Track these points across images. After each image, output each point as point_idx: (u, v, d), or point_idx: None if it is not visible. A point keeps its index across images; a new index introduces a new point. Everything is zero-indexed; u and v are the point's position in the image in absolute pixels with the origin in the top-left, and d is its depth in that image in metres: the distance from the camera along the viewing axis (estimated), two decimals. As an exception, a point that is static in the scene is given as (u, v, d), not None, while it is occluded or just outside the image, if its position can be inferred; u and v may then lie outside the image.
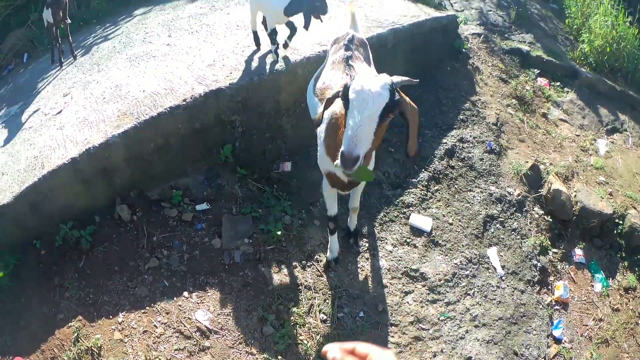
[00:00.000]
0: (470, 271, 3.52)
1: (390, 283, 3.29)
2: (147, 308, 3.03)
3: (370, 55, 3.16)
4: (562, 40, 5.69)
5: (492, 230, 3.74)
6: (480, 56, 4.71)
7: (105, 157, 3.31)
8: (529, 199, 3.99)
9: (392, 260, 3.38)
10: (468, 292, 3.46)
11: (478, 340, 3.34)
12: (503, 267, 3.64)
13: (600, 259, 4.34)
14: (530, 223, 3.92)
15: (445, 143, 3.92)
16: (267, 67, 3.71)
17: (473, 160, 3.92)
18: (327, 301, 3.13)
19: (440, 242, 3.54)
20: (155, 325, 2.96)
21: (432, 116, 4.04)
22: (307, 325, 3.01)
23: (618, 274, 4.35)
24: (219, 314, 3.03)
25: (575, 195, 4.19)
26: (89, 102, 3.90)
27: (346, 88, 2.07)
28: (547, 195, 4.05)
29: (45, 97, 4.43)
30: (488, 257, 3.64)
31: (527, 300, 3.64)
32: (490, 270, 3.60)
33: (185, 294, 3.10)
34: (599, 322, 4.06)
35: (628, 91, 5.41)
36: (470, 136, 4.02)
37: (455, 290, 3.42)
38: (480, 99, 4.30)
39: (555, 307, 3.92)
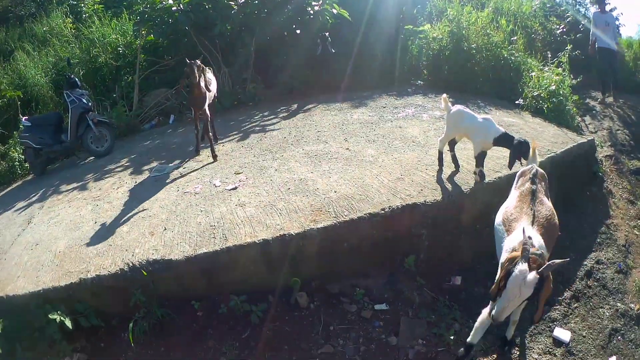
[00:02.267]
0: None
1: None
2: None
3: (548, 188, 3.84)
4: None
5: (615, 341, 4.84)
6: (612, 179, 5.68)
7: (299, 246, 3.83)
8: (642, 317, 5.07)
9: None
10: None
11: None
12: (621, 373, 4.74)
13: None
14: (644, 337, 5.02)
15: (586, 265, 4.98)
16: (451, 187, 4.57)
17: (606, 280, 5.00)
18: None
19: (574, 352, 4.61)
20: None
21: (575, 240, 5.10)
22: None
23: None
24: None
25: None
26: (272, 188, 4.45)
27: (508, 274, 2.93)
28: (655, 316, 5.12)
29: (209, 167, 4.92)
30: (615, 369, 4.73)
31: None
32: (610, 381, 4.68)
33: None
34: None
35: None
36: (605, 258, 5.09)
37: None
38: (612, 222, 5.34)
39: None
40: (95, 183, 5.39)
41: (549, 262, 3.01)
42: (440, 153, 4.78)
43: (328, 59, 7.76)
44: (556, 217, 3.70)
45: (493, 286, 3.19)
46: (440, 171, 4.85)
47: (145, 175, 5.08)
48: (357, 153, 5.16)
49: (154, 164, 5.35)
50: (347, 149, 5.25)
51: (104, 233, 4.24)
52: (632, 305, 5.04)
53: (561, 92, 6.18)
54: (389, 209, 4.16)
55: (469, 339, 3.71)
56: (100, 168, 5.80)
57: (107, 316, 3.75)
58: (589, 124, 6.31)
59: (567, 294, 4.84)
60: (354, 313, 4.01)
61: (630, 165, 6.10)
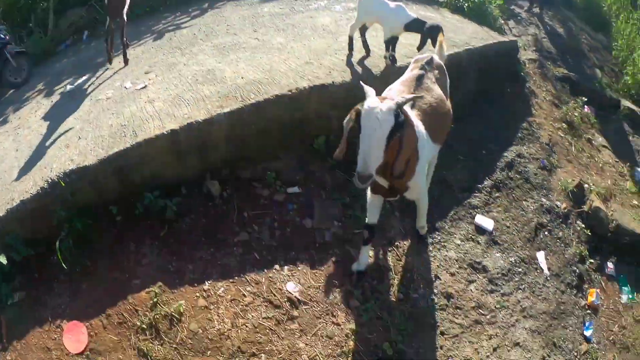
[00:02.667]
0: (522, 269, 4.24)
1: (457, 272, 3.95)
2: (236, 278, 3.37)
3: (447, 82, 3.62)
4: (608, 71, 6.53)
5: (541, 236, 4.50)
6: (536, 81, 5.50)
7: (207, 133, 3.67)
8: (573, 212, 4.76)
9: (459, 253, 4.05)
10: (520, 287, 4.17)
11: (526, 329, 4.05)
12: (549, 269, 4.37)
13: (629, 274, 5.09)
14: (573, 234, 4.69)
15: (506, 157, 4.66)
16: (361, 70, 4.36)
17: (529, 174, 4.68)
18: (405, 282, 3.75)
19: (499, 241, 4.26)
20: (243, 294, 3.32)
21: (496, 132, 4.80)
22: (387, 302, 3.60)
23: None
24: (308, 287, 3.49)
25: (612, 214, 4.99)
26: (180, 82, 4.31)
27: (358, 114, 2.53)
28: (589, 212, 4.83)
29: (120, 72, 4.82)
30: (537, 259, 4.39)
31: (566, 300, 4.39)
32: (538, 270, 4.32)
33: (276, 266, 3.52)
34: (622, 329, 4.84)
35: None
36: (527, 153, 4.79)
37: (510, 284, 4.11)
38: (535, 120, 5.09)
39: (587, 311, 4.69)
40: (15, 114, 5.16)
41: (404, 96, 2.73)
42: (351, 38, 4.55)
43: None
44: (447, 108, 3.43)
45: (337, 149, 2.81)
46: (350, 55, 4.58)
47: (60, 93, 4.91)
48: (266, 42, 4.96)
49: (69, 80, 5.18)
50: (256, 39, 5.05)
51: (25, 158, 3.99)
52: (559, 203, 4.75)
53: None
54: (296, 90, 4.00)
55: (366, 220, 3.44)
56: (19, 98, 5.55)
57: (36, 245, 3.51)
58: (513, 28, 6.21)
59: (488, 182, 4.48)
60: (267, 197, 3.88)
61: (556, 72, 5.96)
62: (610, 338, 4.75)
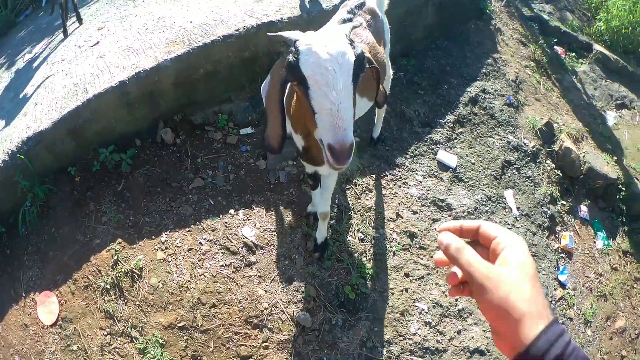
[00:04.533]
0: (489, 208, 4.07)
1: (420, 210, 3.76)
2: (192, 226, 3.29)
3: (385, 27, 3.15)
4: (579, 15, 6.42)
5: (509, 174, 4.33)
6: (502, 19, 5.33)
7: (155, 80, 3.58)
8: (542, 152, 4.60)
9: (422, 190, 3.85)
10: None
11: None
12: (518, 208, 4.22)
13: (602, 219, 5.01)
14: (543, 174, 4.53)
15: (470, 92, 4.44)
16: (311, 5, 4.21)
17: (494, 110, 4.49)
18: (365, 222, 3.55)
19: (463, 178, 4.07)
20: (200, 243, 3.24)
21: (458, 67, 4.59)
22: (347, 243, 3.44)
23: (618, 236, 5.03)
24: (265, 230, 3.35)
25: (583, 156, 4.86)
26: (130, 33, 4.17)
27: (293, 65, 1.71)
28: (559, 152, 4.68)
29: (75, 32, 4.71)
30: (505, 198, 4.23)
31: (538, 241, 4.23)
32: (506, 210, 4.17)
33: (232, 211, 3.39)
34: (599, 276, 4.71)
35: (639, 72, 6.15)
36: (492, 89, 4.60)
37: (471, 217, 4.00)
38: (501, 57, 4.91)
39: (561, 255, 4.56)
40: (-24, 93, 4.90)
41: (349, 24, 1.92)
42: None
43: None
44: (381, 55, 2.95)
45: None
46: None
47: (21, 64, 4.73)
48: (219, -14, 4.68)
49: (27, 49, 5.03)
50: (206, -18, 4.78)
51: (-13, 136, 3.86)
52: (527, 141, 4.59)
53: None
54: (244, 29, 3.87)
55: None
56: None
57: (5, 221, 3.53)
58: None
59: (450, 117, 4.26)
60: (220, 141, 3.79)
61: (524, 11, 5.88)
62: (587, 285, 4.64)
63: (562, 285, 4.41)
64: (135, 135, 3.71)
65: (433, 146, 4.12)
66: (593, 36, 6.24)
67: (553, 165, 4.62)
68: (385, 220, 3.64)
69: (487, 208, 4.07)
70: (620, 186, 4.97)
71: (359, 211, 3.61)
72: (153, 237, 3.24)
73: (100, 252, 3.17)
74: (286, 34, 1.80)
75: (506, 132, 4.48)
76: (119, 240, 3.22)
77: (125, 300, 3.04)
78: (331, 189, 2.85)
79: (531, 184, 4.41)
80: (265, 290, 3.15)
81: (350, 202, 3.66)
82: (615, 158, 5.16)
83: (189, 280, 3.09)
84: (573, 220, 4.70)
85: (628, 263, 5.17)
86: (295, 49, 1.71)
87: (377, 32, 3.01)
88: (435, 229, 3.78)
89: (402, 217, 3.70)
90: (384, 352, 3.19)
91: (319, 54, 1.65)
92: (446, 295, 3.57)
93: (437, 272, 3.61)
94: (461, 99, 4.40)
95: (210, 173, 3.61)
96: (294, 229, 3.40)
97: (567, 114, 5.08)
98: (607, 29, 6.23)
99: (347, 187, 3.72)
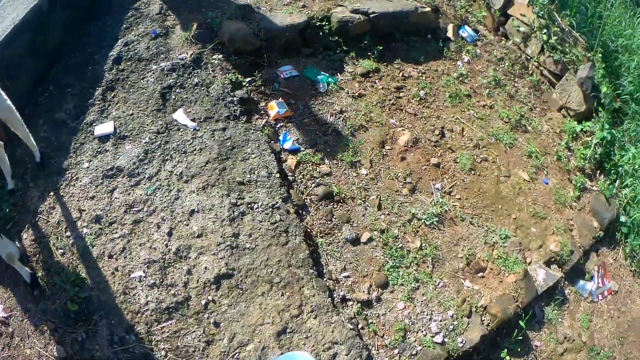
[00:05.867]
0: (161, 140, 4.19)
1: (96, 192, 3.96)
2: None
3: None
4: None
5: (173, 96, 4.41)
6: None
7: None
8: (205, 53, 4.63)
9: (91, 174, 4.04)
10: (165, 158, 4.13)
11: (193, 192, 4.02)
12: (194, 119, 4.30)
13: (316, 63, 4.89)
14: (214, 71, 4.56)
15: (112, 55, 4.63)
16: None
17: (140, 54, 4.61)
18: (59, 237, 3.73)
19: (126, 134, 4.21)
20: None
21: (108, 43, 4.72)
22: (49, 261, 3.62)
23: (347, 67, 4.90)
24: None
25: (258, 24, 4.79)
26: None
27: None
28: (224, 40, 4.68)
29: None
30: (176, 121, 4.33)
31: (233, 133, 4.27)
32: (182, 130, 4.28)
33: None
34: (340, 114, 4.60)
35: None
36: (134, 36, 4.73)
37: (153, 164, 4.08)
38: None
39: (279, 125, 4.50)
40: None
41: None
42: None
43: None
44: None
45: None
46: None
47: None
48: None
49: None
50: None
51: None
52: (183, 55, 4.64)
53: None
54: None
55: None
56: None
57: None
58: None
59: (99, 91, 4.44)
60: None
61: None
62: (321, 130, 4.57)
63: (294, 151, 4.36)
64: None
65: (90, 128, 4.31)
66: None
67: (221, 56, 4.61)
68: (75, 222, 3.85)
69: (158, 142, 4.22)
70: (321, 24, 5.10)
71: (51, 232, 3.79)
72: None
73: None
74: None
75: (158, 62, 4.59)
76: None
77: None
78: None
79: (202, 88, 4.48)
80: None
81: (42, 229, 3.82)
82: (304, 2, 5.13)
83: None
84: (278, 86, 4.64)
85: (377, 80, 5.06)
86: None
87: None
88: (116, 197, 3.96)
89: (85, 210, 3.90)
90: (133, 338, 3.43)
91: None
92: (155, 248, 3.75)
93: (135, 233, 3.82)
94: (105, 67, 4.57)
95: None
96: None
97: None
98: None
99: (37, 220, 3.87)
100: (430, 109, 5.19)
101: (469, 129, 5.12)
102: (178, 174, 4.07)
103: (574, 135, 5.47)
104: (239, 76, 4.53)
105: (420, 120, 5.04)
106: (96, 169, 4.10)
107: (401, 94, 5.16)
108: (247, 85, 4.54)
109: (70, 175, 4.08)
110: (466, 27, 5.96)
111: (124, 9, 4.94)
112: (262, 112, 4.49)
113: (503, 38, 6.16)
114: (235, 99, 4.42)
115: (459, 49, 5.78)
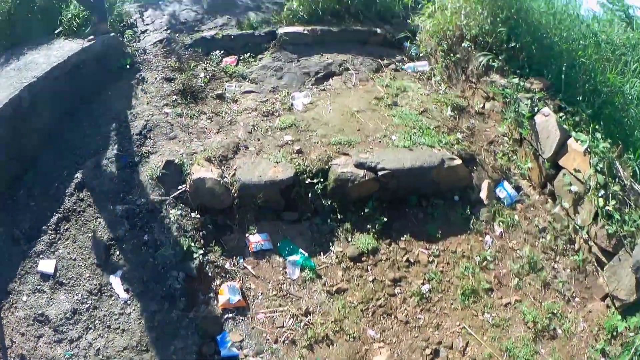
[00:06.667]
0: (91, 303, 3.99)
1: (26, 330, 3.93)
2: None
3: None
4: (267, 8, 6.16)
5: (118, 252, 4.13)
6: (153, 63, 5.07)
7: None
8: (165, 202, 4.21)
9: (27, 309, 4.00)
10: (90, 326, 3.91)
11: None
12: (127, 290, 3.98)
13: (299, 234, 4.24)
14: (168, 230, 4.14)
15: (77, 177, 4.40)
16: None
17: (103, 185, 4.34)
18: None
19: (64, 281, 4.09)
20: None
21: (73, 154, 4.54)
22: None
23: (335, 243, 4.21)
24: None
25: (233, 175, 4.24)
26: None
27: None
28: (188, 190, 4.20)
29: None
30: (111, 285, 4.01)
31: (160, 321, 3.87)
32: (113, 299, 3.99)
33: None
34: (304, 317, 3.94)
35: (354, 28, 5.89)
36: (107, 159, 4.43)
37: (77, 327, 3.92)
38: (133, 111, 4.66)
39: (226, 317, 3.97)
40: None
41: None
42: None
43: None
44: None
45: None
46: None
47: None
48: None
49: None
50: None
51: None
52: (143, 199, 4.30)
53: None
54: None
55: None
56: None
57: None
58: (148, 17, 5.94)
59: (55, 217, 4.30)
60: None
61: (189, 39, 5.84)
62: (283, 337, 3.90)
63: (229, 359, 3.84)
64: None
65: (36, 258, 4.23)
66: (285, 21, 6.07)
67: (179, 212, 4.20)
68: (6, 349, 3.84)
69: (87, 305, 4.02)
70: (313, 180, 4.40)
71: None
72: None
73: None
74: None
75: (115, 202, 4.29)
76: None
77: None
78: None
79: (150, 250, 4.16)
80: None
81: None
82: (300, 147, 4.58)
83: None
84: (242, 261, 4.15)
85: (370, 267, 4.31)
86: None
87: None
88: (40, 345, 3.89)
89: (15, 342, 3.89)
90: None
91: None
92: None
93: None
94: (67, 190, 4.40)
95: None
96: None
97: (219, 132, 4.58)
98: (300, 3, 6.11)
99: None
100: (431, 313, 4.11)
101: (475, 343, 3.93)
102: (96, 349, 3.84)
103: (614, 333, 4.27)
104: (193, 244, 4.07)
105: (411, 331, 3.97)
106: (31, 308, 4.01)
107: (397, 290, 4.18)
108: (200, 256, 4.05)
109: (11, 300, 4.05)
110: (505, 183, 4.84)
111: (107, 118, 4.63)
112: (211, 294, 4.01)
113: (549, 199, 4.91)
114: (180, 276, 3.98)
115: (491, 216, 4.66)
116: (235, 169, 4.27)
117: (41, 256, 4.20)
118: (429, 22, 5.97)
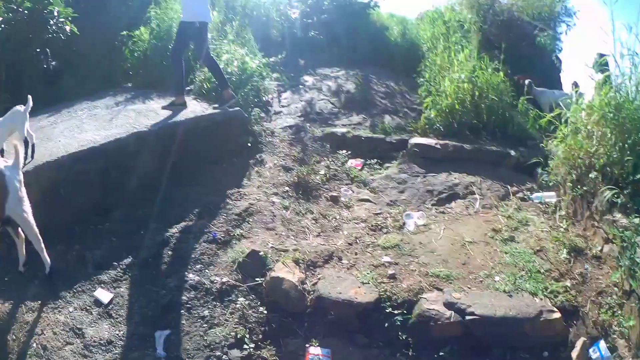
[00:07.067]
0: (129, 344, 3.96)
1: (60, 332, 3.88)
2: None
3: None
4: (405, 113, 6.25)
5: (173, 314, 4.12)
6: (277, 147, 5.24)
7: None
8: (238, 289, 4.24)
9: (68, 318, 4.00)
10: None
11: None
12: (167, 349, 3.96)
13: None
14: (231, 314, 4.10)
15: (163, 234, 4.62)
16: None
17: (184, 250, 4.51)
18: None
19: (113, 314, 4.13)
20: None
21: (164, 210, 4.77)
22: None
23: None
24: None
25: (315, 284, 4.22)
26: None
27: None
28: (264, 285, 4.18)
29: None
30: (156, 349, 3.96)
31: None
32: (151, 350, 3.96)
33: None
34: None
35: (488, 148, 5.79)
36: (198, 228, 4.62)
37: (107, 356, 3.87)
38: (241, 191, 4.83)
39: None
40: None
41: None
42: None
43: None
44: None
45: None
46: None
47: None
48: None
49: None
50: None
51: None
52: (217, 278, 4.31)
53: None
54: None
55: None
56: None
57: None
58: (285, 99, 6.25)
59: (129, 259, 4.47)
60: None
61: (319, 131, 5.92)
62: None
63: None
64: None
65: (97, 285, 4.33)
66: (420, 130, 6.15)
67: (248, 303, 4.13)
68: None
69: (124, 343, 3.96)
70: (394, 310, 4.16)
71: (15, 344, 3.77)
72: None
73: None
74: None
75: (189, 271, 4.41)
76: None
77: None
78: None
79: (204, 325, 4.08)
80: None
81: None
82: (393, 271, 4.47)
83: None
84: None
85: None
86: None
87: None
88: (66, 350, 3.79)
89: (45, 335, 3.85)
90: None
91: None
92: None
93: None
94: (145, 242, 4.58)
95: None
96: None
97: (319, 235, 4.70)
98: (438, 113, 6.15)
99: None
100: None
101: None
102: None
103: None
104: (248, 336, 3.97)
105: None
106: (73, 319, 4.02)
107: None
108: (250, 349, 3.93)
109: (58, 304, 4.10)
110: (601, 343, 4.19)
111: (213, 189, 4.82)
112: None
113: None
114: (224, 357, 3.89)
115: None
116: (319, 279, 4.26)
117: (102, 285, 4.31)
118: (560, 147, 5.60)
